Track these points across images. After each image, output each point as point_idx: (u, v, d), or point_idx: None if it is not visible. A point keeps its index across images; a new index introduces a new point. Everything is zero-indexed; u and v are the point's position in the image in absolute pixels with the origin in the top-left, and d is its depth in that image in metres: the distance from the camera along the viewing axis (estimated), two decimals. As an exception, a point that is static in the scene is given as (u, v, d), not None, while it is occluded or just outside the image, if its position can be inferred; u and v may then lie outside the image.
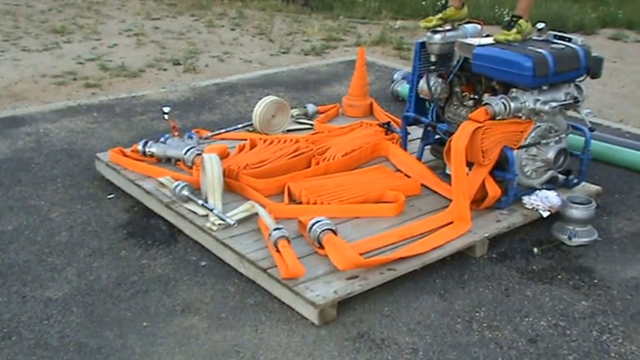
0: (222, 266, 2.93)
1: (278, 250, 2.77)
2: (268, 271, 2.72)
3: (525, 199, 3.30)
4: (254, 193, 3.27)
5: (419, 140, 3.76)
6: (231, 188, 3.36)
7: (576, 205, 3.17)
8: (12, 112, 4.83)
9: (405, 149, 3.79)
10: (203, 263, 2.98)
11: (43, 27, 7.70)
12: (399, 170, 3.65)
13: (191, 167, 3.54)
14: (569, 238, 3.16)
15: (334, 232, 2.86)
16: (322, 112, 4.54)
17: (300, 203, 3.26)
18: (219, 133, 4.15)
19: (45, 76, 5.82)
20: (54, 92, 5.41)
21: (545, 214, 3.24)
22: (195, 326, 2.56)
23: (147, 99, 5.17)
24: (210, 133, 4.13)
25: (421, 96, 3.62)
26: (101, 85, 5.59)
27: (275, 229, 2.82)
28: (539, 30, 3.38)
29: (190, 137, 3.88)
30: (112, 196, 3.58)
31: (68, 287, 2.79)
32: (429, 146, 3.75)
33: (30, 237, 3.17)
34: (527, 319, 2.63)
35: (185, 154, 3.58)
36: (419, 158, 3.70)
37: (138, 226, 3.28)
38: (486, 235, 3.06)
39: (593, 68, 3.31)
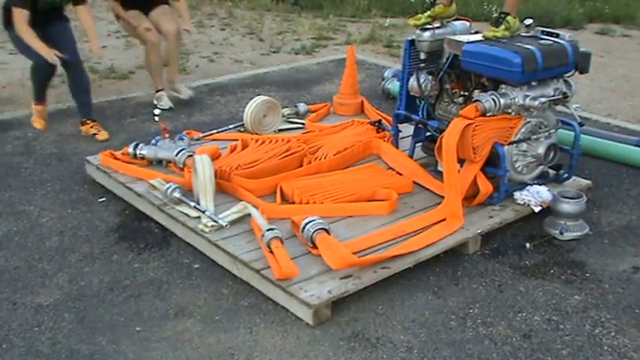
0: (215, 268, 2.92)
1: (271, 251, 2.76)
2: (262, 272, 2.71)
3: (517, 194, 3.31)
4: (246, 193, 3.26)
5: (410, 138, 3.77)
6: (223, 189, 3.34)
7: (567, 200, 3.18)
8: (0, 117, 4.79)
9: (397, 147, 3.79)
10: (196, 266, 2.96)
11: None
12: (390, 168, 3.65)
13: (182, 169, 3.52)
14: (561, 233, 3.17)
15: (327, 231, 2.85)
16: (313, 111, 4.53)
17: (293, 203, 3.25)
18: (211, 134, 4.13)
19: (33, 79, 5.77)
20: (42, 96, 5.37)
21: (537, 209, 3.25)
22: (188, 330, 2.55)
23: (137, 101, 5.14)
24: (201, 134, 4.12)
25: (412, 93, 3.62)
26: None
27: (268, 230, 2.81)
28: (527, 26, 3.38)
29: (181, 139, 3.87)
30: (102, 199, 3.56)
31: (59, 293, 2.77)
32: (420, 144, 3.75)
33: (20, 243, 3.15)
34: (520, 315, 2.64)
35: (176, 155, 3.57)
36: (410, 156, 3.70)
37: (129, 230, 3.26)
38: (479, 231, 3.07)
39: (581, 63, 3.32)
